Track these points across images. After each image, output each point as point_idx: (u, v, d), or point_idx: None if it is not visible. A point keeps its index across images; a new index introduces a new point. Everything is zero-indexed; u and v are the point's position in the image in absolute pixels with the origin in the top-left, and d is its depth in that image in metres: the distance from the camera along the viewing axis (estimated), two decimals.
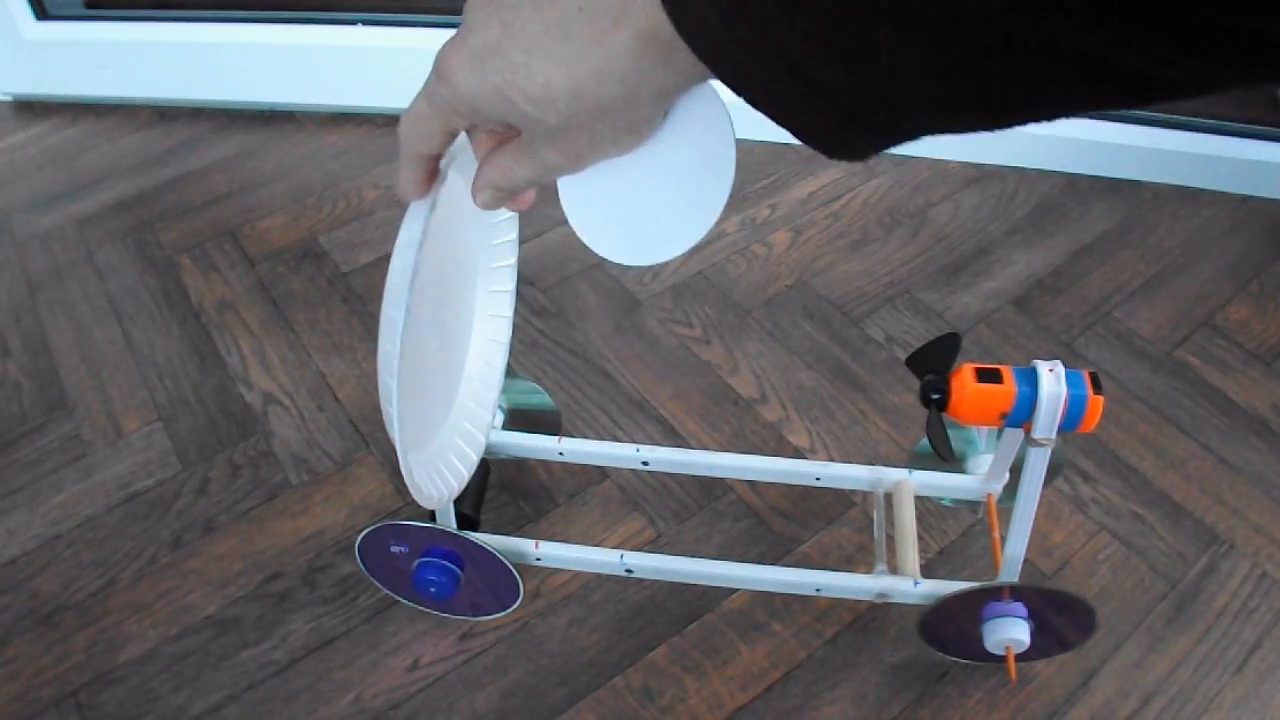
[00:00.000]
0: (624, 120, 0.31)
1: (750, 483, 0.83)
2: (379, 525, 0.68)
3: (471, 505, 0.73)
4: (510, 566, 0.68)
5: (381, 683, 0.72)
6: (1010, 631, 0.65)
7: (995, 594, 0.65)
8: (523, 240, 1.08)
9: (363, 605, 0.76)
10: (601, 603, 0.75)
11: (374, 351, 0.95)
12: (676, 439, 0.87)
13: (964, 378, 0.55)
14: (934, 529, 0.80)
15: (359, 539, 0.69)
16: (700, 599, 0.76)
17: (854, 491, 0.82)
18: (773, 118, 0.26)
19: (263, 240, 1.09)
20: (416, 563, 0.69)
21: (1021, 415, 0.55)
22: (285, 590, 0.78)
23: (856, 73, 0.23)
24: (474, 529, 0.71)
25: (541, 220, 1.08)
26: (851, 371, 0.92)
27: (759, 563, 0.76)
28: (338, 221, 1.11)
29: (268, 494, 0.84)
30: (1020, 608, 0.65)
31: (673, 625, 0.74)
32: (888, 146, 0.26)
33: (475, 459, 0.67)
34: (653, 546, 0.79)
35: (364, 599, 0.77)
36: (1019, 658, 0.67)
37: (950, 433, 0.76)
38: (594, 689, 0.71)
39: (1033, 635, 0.65)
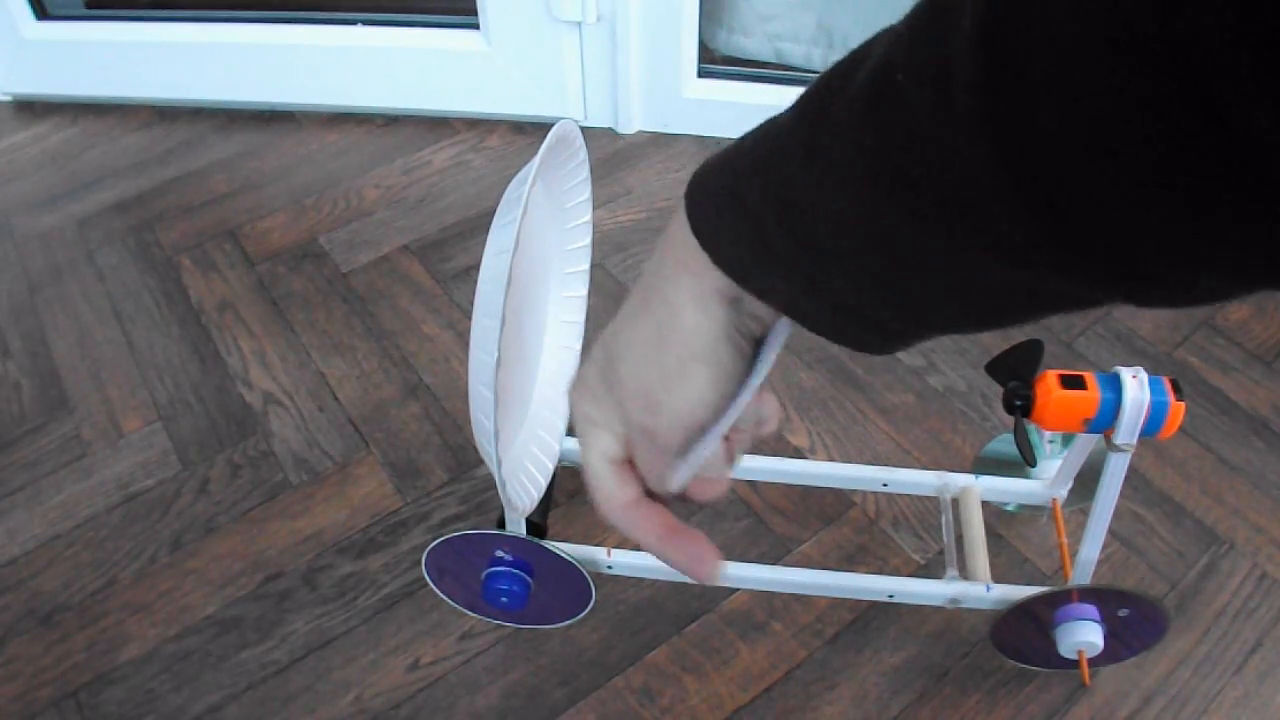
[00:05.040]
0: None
1: (751, 483, 0.83)
2: (452, 536, 0.66)
3: (540, 513, 0.71)
4: (585, 574, 0.67)
5: (381, 683, 0.72)
6: (1083, 635, 0.64)
7: (1067, 597, 0.64)
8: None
9: (363, 605, 0.76)
10: (602, 602, 0.75)
11: (374, 352, 0.95)
12: None
13: (1048, 384, 0.56)
14: (934, 529, 0.80)
15: (426, 552, 0.67)
16: (700, 599, 0.76)
17: (854, 491, 0.82)
18: (817, 333, 0.32)
19: (263, 240, 1.09)
20: (486, 573, 0.67)
21: (1105, 421, 0.56)
22: (285, 590, 0.78)
23: (899, 312, 0.29)
24: (542, 536, 0.69)
25: None
26: (851, 371, 0.92)
27: (760, 563, 0.76)
28: (338, 221, 1.11)
29: (268, 494, 0.84)
30: (1093, 610, 0.65)
31: (673, 625, 0.74)
32: (906, 348, 0.32)
33: (552, 466, 0.66)
34: None
35: (364, 599, 0.77)
36: (1090, 663, 0.67)
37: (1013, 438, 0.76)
38: (594, 689, 0.71)
39: (1105, 639, 0.65)
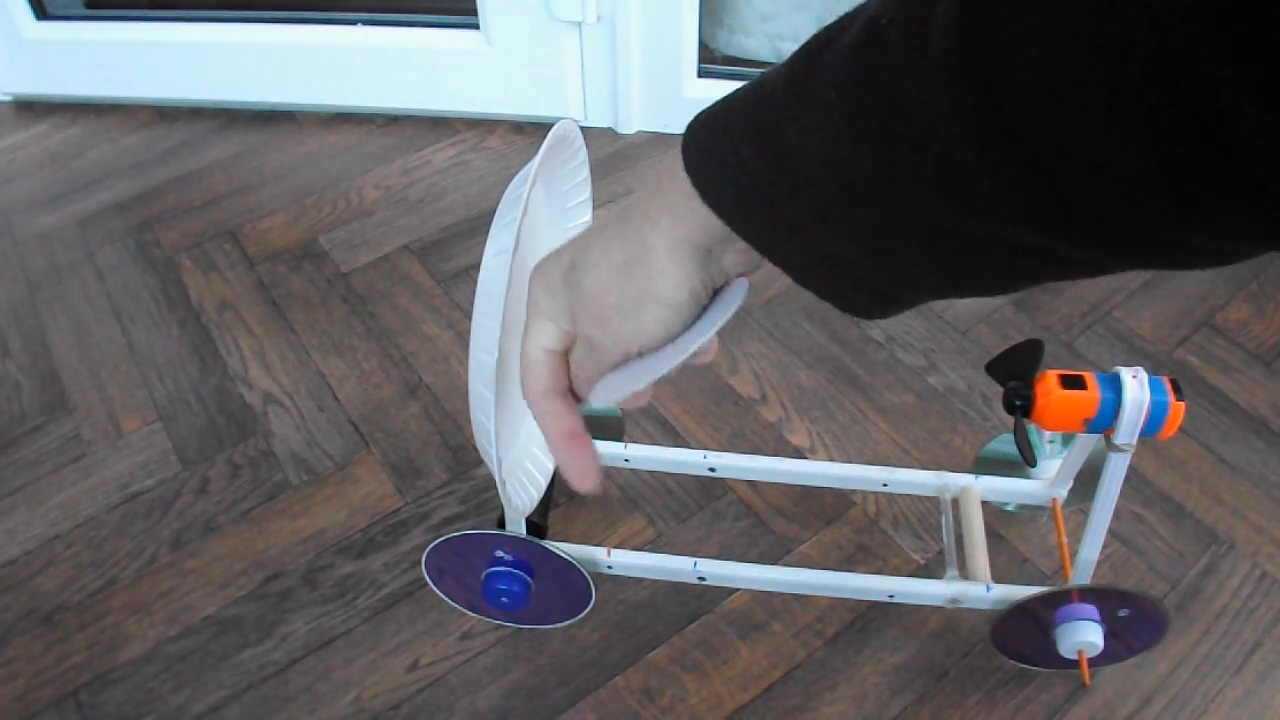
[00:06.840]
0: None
1: (750, 483, 0.83)
2: (452, 536, 0.66)
3: (540, 513, 0.71)
4: (585, 574, 0.67)
5: (381, 683, 0.72)
6: (1083, 635, 0.64)
7: (1067, 597, 0.64)
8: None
9: (363, 605, 0.76)
10: (602, 602, 0.75)
11: (374, 352, 0.95)
12: (677, 439, 0.87)
13: (1048, 384, 0.56)
14: (934, 529, 0.80)
15: (426, 552, 0.68)
16: (700, 599, 0.76)
17: (854, 491, 0.82)
18: (805, 286, 0.33)
19: (263, 240, 1.09)
20: (485, 573, 0.67)
21: (1105, 421, 0.56)
22: (285, 590, 0.78)
23: (883, 266, 0.30)
24: (542, 536, 0.69)
25: None
26: (851, 371, 0.92)
27: (760, 563, 0.76)
28: (338, 221, 1.11)
29: (268, 494, 0.84)
30: (1093, 610, 0.64)
31: (673, 625, 0.74)
32: (895, 314, 0.33)
33: (551, 466, 0.66)
34: (653, 546, 0.79)
35: (364, 599, 0.77)
36: (1090, 663, 0.67)
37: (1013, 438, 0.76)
38: (594, 689, 0.71)
39: (1105, 639, 0.65)
